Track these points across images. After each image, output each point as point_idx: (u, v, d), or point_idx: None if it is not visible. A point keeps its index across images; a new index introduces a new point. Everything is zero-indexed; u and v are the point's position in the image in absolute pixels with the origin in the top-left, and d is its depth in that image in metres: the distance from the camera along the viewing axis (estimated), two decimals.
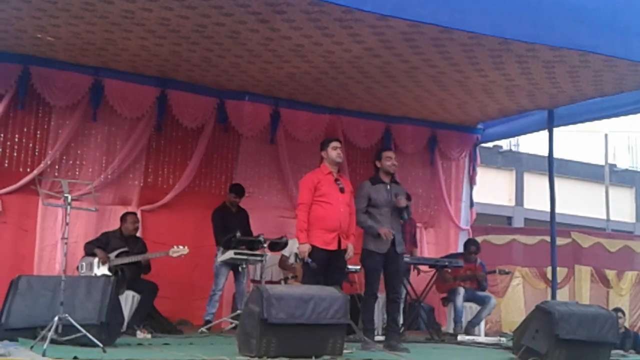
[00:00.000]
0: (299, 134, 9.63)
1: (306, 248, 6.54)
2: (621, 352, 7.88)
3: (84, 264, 7.71)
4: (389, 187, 6.99)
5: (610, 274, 13.47)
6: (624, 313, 11.48)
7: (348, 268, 7.98)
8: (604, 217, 20.58)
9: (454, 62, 7.49)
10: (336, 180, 6.77)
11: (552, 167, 9.58)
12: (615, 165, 23.06)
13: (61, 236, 7.69)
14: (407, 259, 8.38)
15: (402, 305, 8.83)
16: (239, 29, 6.84)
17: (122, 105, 8.66)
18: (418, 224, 10.10)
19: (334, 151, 6.77)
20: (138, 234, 8.28)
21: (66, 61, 8.19)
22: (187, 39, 7.21)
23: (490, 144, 16.85)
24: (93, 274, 7.51)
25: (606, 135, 21.66)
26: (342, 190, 6.73)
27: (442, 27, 6.17)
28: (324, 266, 6.56)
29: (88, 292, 6.09)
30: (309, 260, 6.51)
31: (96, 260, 7.65)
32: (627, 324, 12.09)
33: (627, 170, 23.71)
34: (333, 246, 6.61)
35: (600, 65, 7.16)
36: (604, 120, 10.53)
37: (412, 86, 8.59)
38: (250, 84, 8.83)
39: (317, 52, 7.42)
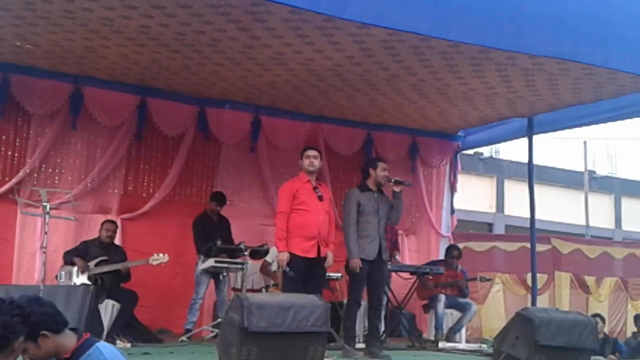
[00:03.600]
0: (280, 141, 9.62)
1: (285, 256, 6.55)
2: (600, 358, 7.95)
3: (63, 273, 7.65)
4: (376, 195, 7.06)
5: (590, 280, 13.56)
6: (603, 319, 11.56)
7: (329, 275, 8.00)
8: (584, 223, 20.75)
9: (434, 70, 7.53)
10: (315, 188, 6.79)
11: (532, 174, 9.64)
12: (594, 172, 23.26)
13: (40, 245, 7.62)
14: (388, 266, 8.40)
15: (383, 312, 8.88)
16: (220, 37, 6.83)
17: (102, 113, 8.61)
18: (399, 231, 10.12)
19: (306, 160, 6.82)
20: (118, 242, 8.25)
21: (45, 69, 8.13)
22: (167, 46, 7.18)
23: (471, 151, 16.94)
24: (72, 283, 7.45)
25: (585, 143, 21.86)
26: (320, 198, 6.76)
27: (421, 36, 6.19)
28: (303, 274, 6.57)
29: (67, 302, 6.05)
30: (287, 269, 6.51)
31: (75, 269, 7.59)
32: (606, 330, 12.17)
33: (606, 177, 23.93)
34: (312, 254, 6.63)
35: (579, 73, 7.22)
36: (583, 128, 10.60)
37: (393, 94, 8.61)
38: (230, 91, 8.81)
39: (297, 60, 7.42)
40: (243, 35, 6.74)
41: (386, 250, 7.15)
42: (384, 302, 8.76)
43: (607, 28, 6.36)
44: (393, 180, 7.13)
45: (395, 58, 7.21)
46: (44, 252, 6.64)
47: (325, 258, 6.74)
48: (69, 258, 7.71)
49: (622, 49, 6.46)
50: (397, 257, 9.44)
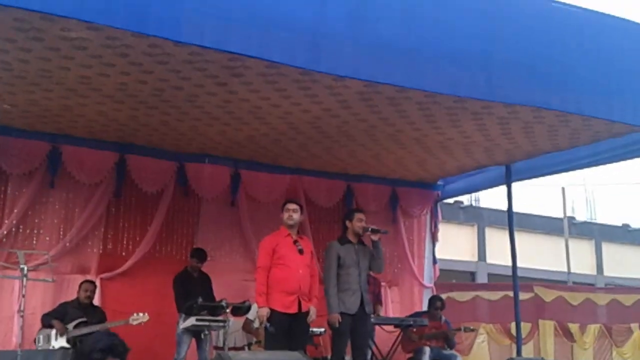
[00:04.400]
0: (260, 195, 9.59)
1: (265, 312, 6.48)
2: None
3: (41, 336, 7.50)
4: (356, 247, 7.05)
5: (574, 327, 13.50)
6: None
7: (312, 331, 7.90)
8: (565, 269, 20.78)
9: (411, 120, 7.57)
10: (295, 241, 6.76)
11: (512, 222, 9.63)
12: (574, 218, 23.39)
13: (18, 308, 7.48)
14: (372, 319, 8.32)
15: None
16: (197, 93, 6.84)
17: (81, 171, 8.56)
18: (382, 283, 10.06)
19: (286, 213, 6.84)
20: (97, 303, 8.12)
21: (23, 128, 8.10)
22: (145, 103, 7.18)
23: (451, 200, 17.01)
24: (51, 346, 7.31)
25: (563, 189, 22.02)
26: (300, 252, 6.72)
27: (397, 87, 6.24)
28: (285, 330, 6.49)
29: None
30: (268, 325, 6.43)
31: (54, 332, 7.46)
32: None
33: (585, 222, 24.06)
34: (293, 309, 6.55)
35: (554, 120, 7.29)
36: (561, 174, 10.69)
37: (371, 145, 8.64)
38: (209, 146, 8.81)
39: (275, 114, 7.45)
40: (221, 90, 6.76)
41: (369, 303, 7.11)
42: (369, 356, 8.67)
43: (580, 75, 6.46)
44: (370, 229, 7.13)
45: (372, 109, 7.26)
46: (22, 316, 6.53)
47: (307, 313, 6.66)
48: (47, 321, 7.58)
49: (595, 95, 6.55)
50: (380, 312, 9.35)
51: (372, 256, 7.18)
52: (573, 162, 9.20)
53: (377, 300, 9.43)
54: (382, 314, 9.45)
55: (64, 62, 6.05)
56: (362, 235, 7.18)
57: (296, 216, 6.85)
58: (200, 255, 8.52)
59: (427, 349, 8.75)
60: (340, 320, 6.76)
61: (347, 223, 7.16)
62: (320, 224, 10.08)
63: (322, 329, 8.24)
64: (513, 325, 10.43)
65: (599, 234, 23.91)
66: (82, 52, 5.82)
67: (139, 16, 4.83)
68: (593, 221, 24.50)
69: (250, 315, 8.34)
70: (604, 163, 9.24)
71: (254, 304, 7.97)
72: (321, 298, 7.04)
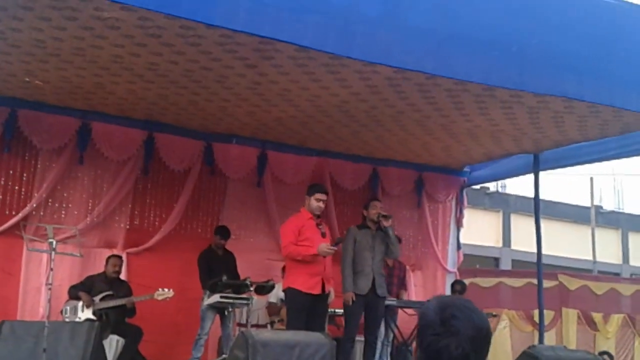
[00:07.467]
0: (286, 176, 9.64)
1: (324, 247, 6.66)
2: None
3: (67, 308, 7.65)
4: (374, 232, 7.19)
5: (597, 316, 13.45)
6: (611, 357, 11.46)
7: (334, 311, 8.00)
8: (591, 258, 20.65)
9: (439, 107, 7.55)
10: (318, 225, 6.86)
11: (538, 210, 9.58)
12: (601, 207, 23.20)
13: (45, 281, 7.62)
14: (394, 302, 8.39)
15: (389, 349, 8.84)
16: (227, 74, 6.88)
17: (109, 148, 8.65)
18: (407, 267, 10.09)
19: (316, 203, 6.93)
20: (123, 277, 8.25)
21: (54, 104, 8.19)
22: (175, 83, 7.23)
23: (477, 186, 16.92)
24: (77, 318, 7.45)
25: (592, 178, 21.82)
26: (323, 235, 6.84)
27: (427, 74, 6.23)
28: (307, 310, 6.59)
29: (72, 338, 6.07)
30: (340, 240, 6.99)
31: (80, 303, 7.60)
32: None
33: (613, 212, 23.86)
34: (317, 290, 6.66)
35: (585, 111, 7.23)
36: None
37: (398, 130, 8.64)
38: (237, 127, 8.86)
39: (304, 97, 7.46)
40: (250, 72, 6.78)
41: (382, 286, 7.26)
42: (391, 338, 8.75)
43: (612, 67, 6.38)
44: (380, 215, 7.29)
45: (400, 95, 7.24)
46: (49, 289, 6.65)
47: (328, 294, 6.78)
48: (74, 293, 7.73)
49: (626, 87, 6.48)
50: (403, 296, 9.38)
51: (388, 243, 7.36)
52: (602, 153, 9.12)
53: (402, 284, 9.47)
54: (405, 298, 9.48)
55: (97, 41, 6.11)
56: (378, 223, 7.34)
57: (323, 206, 7.04)
58: (223, 232, 8.61)
59: None
60: (353, 299, 6.93)
61: (365, 212, 7.37)
62: (345, 207, 10.11)
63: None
64: (536, 312, 10.42)
65: (626, 223, 23.70)
66: (115, 32, 5.87)
67: None
68: (620, 211, 24.28)
69: (273, 298, 8.46)
70: (633, 155, 9.14)
71: (277, 283, 8.10)
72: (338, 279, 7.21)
